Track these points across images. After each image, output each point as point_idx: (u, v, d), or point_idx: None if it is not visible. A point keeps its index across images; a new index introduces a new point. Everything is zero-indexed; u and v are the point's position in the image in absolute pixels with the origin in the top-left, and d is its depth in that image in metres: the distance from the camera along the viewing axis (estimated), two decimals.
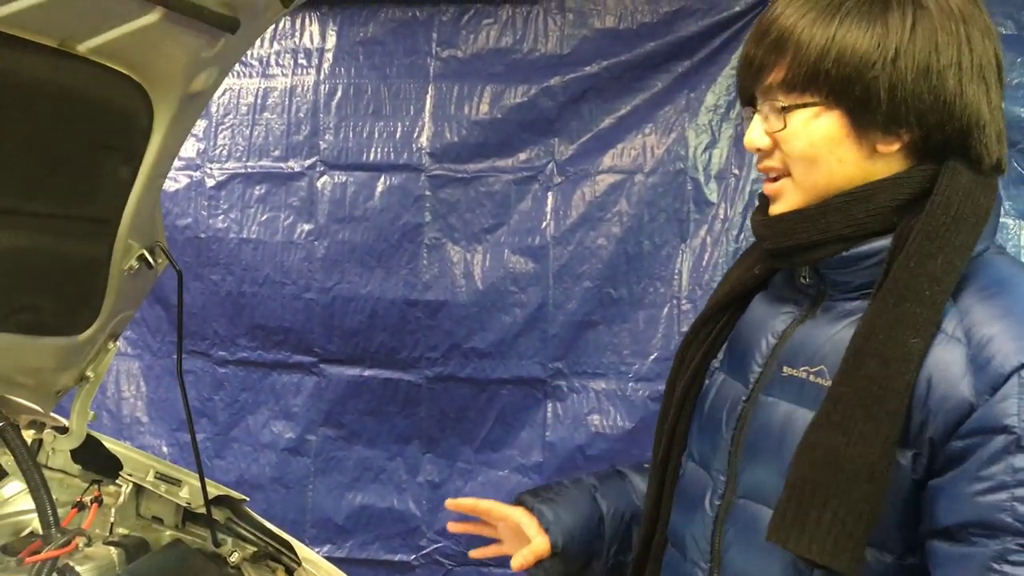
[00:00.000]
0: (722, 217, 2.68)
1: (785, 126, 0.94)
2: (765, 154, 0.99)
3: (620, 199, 2.73)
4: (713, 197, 2.69)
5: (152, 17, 1.09)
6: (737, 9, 2.64)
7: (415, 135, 2.82)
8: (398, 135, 2.83)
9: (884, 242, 0.92)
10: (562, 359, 2.76)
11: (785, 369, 0.98)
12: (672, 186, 2.71)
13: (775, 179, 0.99)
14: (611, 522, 1.23)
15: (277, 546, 1.65)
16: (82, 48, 1.09)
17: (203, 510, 1.61)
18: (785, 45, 0.93)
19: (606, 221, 2.74)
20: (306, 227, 2.89)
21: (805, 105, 0.93)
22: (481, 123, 2.78)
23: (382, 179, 2.84)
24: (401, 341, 2.83)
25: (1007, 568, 0.80)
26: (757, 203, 1.08)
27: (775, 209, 0.99)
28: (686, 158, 2.70)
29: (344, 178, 2.86)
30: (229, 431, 2.96)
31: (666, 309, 2.70)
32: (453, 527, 1.32)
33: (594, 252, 2.74)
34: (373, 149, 2.85)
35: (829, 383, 0.91)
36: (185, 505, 1.65)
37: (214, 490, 1.62)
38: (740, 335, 1.09)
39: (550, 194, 2.77)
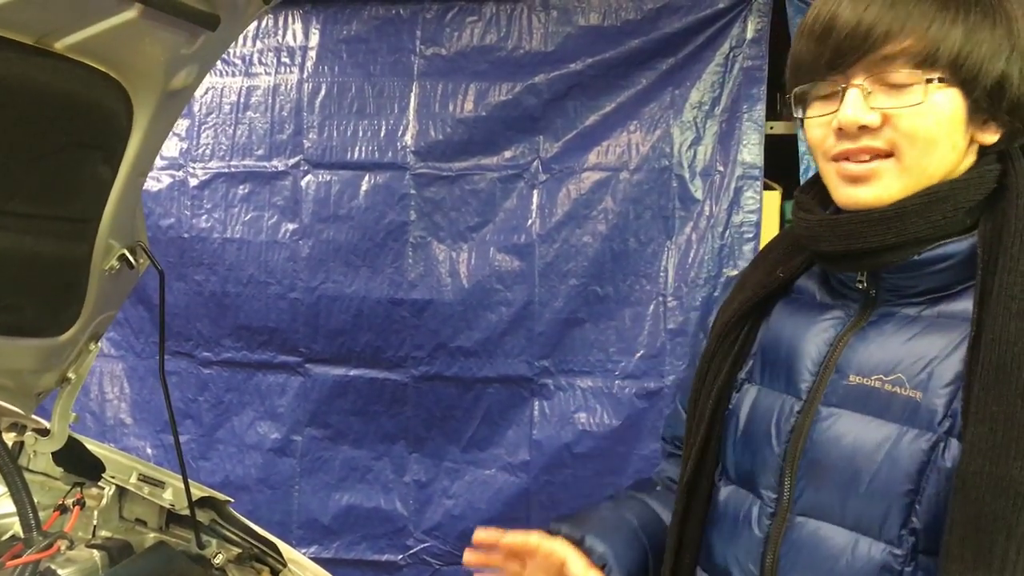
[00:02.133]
0: (707, 214, 2.68)
1: (923, 100, 0.86)
2: (868, 132, 0.89)
3: (605, 197, 2.73)
4: (698, 194, 2.69)
5: (130, 14, 1.07)
6: (721, 6, 2.64)
7: (399, 133, 2.81)
8: (382, 133, 2.82)
9: (959, 245, 0.89)
10: (548, 357, 2.76)
11: (852, 378, 0.92)
12: (657, 183, 2.71)
13: (865, 160, 0.90)
14: (653, 553, 1.11)
15: (262, 547, 1.64)
16: (59, 45, 1.07)
17: (187, 512, 1.60)
18: (918, 15, 0.86)
19: (592, 219, 2.73)
20: (290, 226, 2.87)
21: (942, 80, 0.86)
22: (466, 121, 2.78)
23: (366, 178, 2.83)
24: (387, 340, 2.82)
25: None
26: (797, 202, 1.01)
27: (865, 194, 0.90)
28: (671, 155, 2.70)
29: (328, 177, 2.85)
30: (214, 432, 2.94)
31: (652, 306, 2.71)
32: (469, 559, 1.10)
33: (580, 250, 2.74)
34: (357, 148, 2.83)
35: (909, 392, 0.87)
36: (169, 507, 1.64)
37: (198, 491, 1.61)
38: (776, 344, 1.02)
39: (535, 192, 2.77)
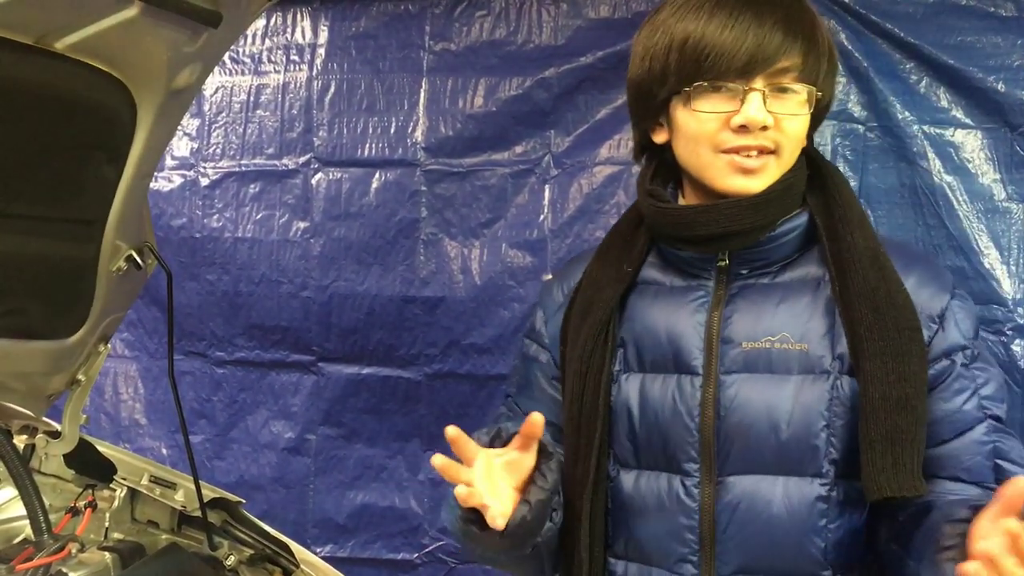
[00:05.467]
0: None
1: (811, 110, 1.05)
2: (762, 132, 1.03)
3: (618, 191, 2.70)
4: None
5: (130, 12, 1.07)
6: None
7: (409, 130, 2.80)
8: (392, 130, 2.80)
9: (798, 220, 1.07)
10: None
11: (745, 344, 1.05)
12: None
13: (755, 155, 1.06)
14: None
15: (274, 548, 1.63)
16: (60, 45, 1.07)
17: (199, 513, 1.59)
18: (800, 35, 1.03)
19: (604, 213, 2.71)
20: (301, 225, 2.86)
21: (817, 91, 1.05)
22: (476, 116, 2.76)
23: (377, 175, 2.81)
24: (399, 338, 2.80)
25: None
26: (651, 193, 1.15)
27: (755, 184, 1.05)
28: None
29: (339, 175, 2.84)
30: (228, 432, 2.94)
31: None
32: (435, 463, 1.05)
33: (592, 245, 2.67)
34: (367, 145, 2.82)
35: (798, 346, 1.03)
36: (180, 508, 1.64)
37: (209, 492, 1.61)
38: (651, 332, 1.10)
39: (547, 187, 2.75)
